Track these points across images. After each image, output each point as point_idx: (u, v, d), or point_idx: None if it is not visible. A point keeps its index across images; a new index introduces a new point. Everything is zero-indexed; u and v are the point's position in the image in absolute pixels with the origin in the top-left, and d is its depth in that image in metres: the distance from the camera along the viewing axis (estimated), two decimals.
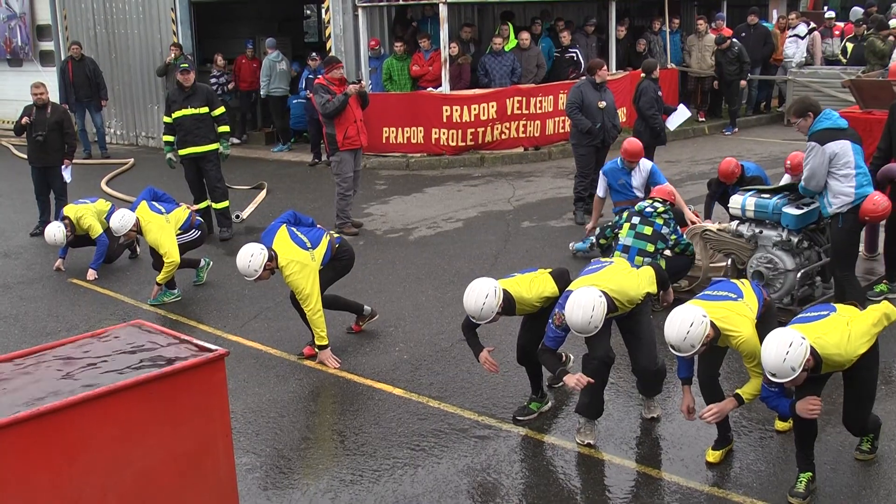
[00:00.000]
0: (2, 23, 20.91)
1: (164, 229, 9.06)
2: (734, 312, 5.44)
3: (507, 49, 15.59)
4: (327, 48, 16.02)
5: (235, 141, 16.45)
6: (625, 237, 8.21)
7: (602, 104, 11.50)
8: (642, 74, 12.43)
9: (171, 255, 8.96)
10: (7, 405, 4.60)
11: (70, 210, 10.23)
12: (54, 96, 14.09)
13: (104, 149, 17.68)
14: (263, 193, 13.58)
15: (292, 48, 18.63)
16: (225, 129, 11.50)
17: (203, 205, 11.52)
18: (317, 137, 15.36)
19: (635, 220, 8.28)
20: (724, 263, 8.65)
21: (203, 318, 8.75)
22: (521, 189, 13.47)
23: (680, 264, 8.35)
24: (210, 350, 5.10)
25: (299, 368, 7.52)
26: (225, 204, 11.55)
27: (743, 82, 17.41)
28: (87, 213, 10.13)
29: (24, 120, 11.72)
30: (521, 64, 15.57)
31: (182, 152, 11.29)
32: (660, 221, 8.18)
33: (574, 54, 16.29)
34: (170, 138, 11.44)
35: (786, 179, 9.10)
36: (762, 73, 18.71)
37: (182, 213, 9.43)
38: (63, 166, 11.74)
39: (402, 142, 15.57)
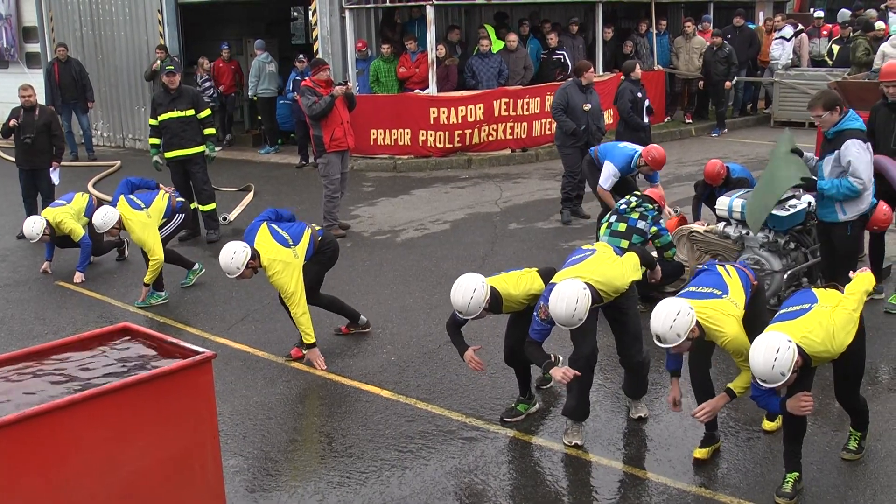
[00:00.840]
0: None
1: (146, 226, 9.03)
2: (719, 311, 5.45)
3: (494, 51, 15.61)
4: (314, 50, 16.01)
5: (218, 149, 16.39)
6: (602, 235, 8.27)
7: (587, 106, 11.52)
8: (621, 76, 12.49)
9: (156, 252, 8.95)
10: None
11: (48, 214, 10.15)
12: (41, 98, 14.04)
13: (91, 151, 17.63)
14: (251, 195, 13.55)
15: (279, 50, 18.60)
16: (211, 131, 11.48)
17: (190, 207, 11.51)
18: (304, 139, 15.35)
19: (612, 217, 8.33)
20: None
21: (190, 321, 8.73)
22: (508, 191, 13.49)
23: (666, 270, 8.37)
24: (197, 353, 5.09)
25: (287, 371, 7.51)
26: (212, 206, 11.53)
27: (728, 84, 17.47)
28: (65, 216, 10.06)
29: (12, 122, 11.66)
30: (508, 66, 15.59)
31: (168, 155, 11.26)
32: (635, 216, 8.19)
33: (561, 56, 16.33)
34: (156, 141, 11.40)
35: None
36: (748, 74, 18.81)
37: (161, 201, 9.37)
38: (51, 168, 11.67)
39: (389, 143, 15.57)
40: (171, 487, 4.92)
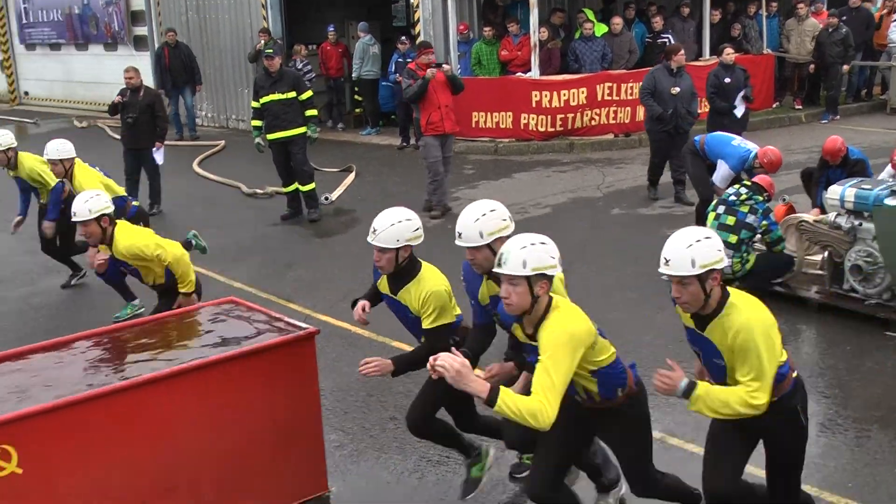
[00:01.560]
0: (101, 8, 21.50)
1: (94, 178, 8.72)
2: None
3: (598, 34, 15.40)
4: (416, 32, 16.03)
5: (319, 130, 16.48)
6: (709, 226, 8.03)
7: (675, 90, 11.28)
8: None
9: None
10: (107, 377, 4.71)
11: (23, 153, 9.32)
12: (148, 81, 14.34)
13: (193, 130, 18.07)
14: (352, 176, 13.69)
15: (381, 32, 18.71)
16: (313, 112, 11.56)
17: (291, 188, 11.65)
18: (405, 121, 15.43)
19: (720, 209, 8.09)
20: (819, 256, 8.36)
21: (293, 298, 8.84)
22: (610, 176, 13.30)
23: (776, 262, 8.09)
24: (301, 328, 5.15)
25: (387, 349, 7.53)
26: (311, 186, 11.64)
27: (846, 67, 16.84)
28: (34, 160, 9.19)
29: (117, 99, 11.95)
30: (612, 49, 15.36)
31: (270, 137, 11.41)
32: (744, 209, 7.94)
33: (667, 39, 15.96)
34: (258, 123, 11.55)
35: (888, 172, 8.76)
36: (864, 58, 18.04)
37: (118, 189, 9.10)
38: (155, 149, 11.89)
39: (490, 126, 15.52)
40: (273, 458, 5.00)
